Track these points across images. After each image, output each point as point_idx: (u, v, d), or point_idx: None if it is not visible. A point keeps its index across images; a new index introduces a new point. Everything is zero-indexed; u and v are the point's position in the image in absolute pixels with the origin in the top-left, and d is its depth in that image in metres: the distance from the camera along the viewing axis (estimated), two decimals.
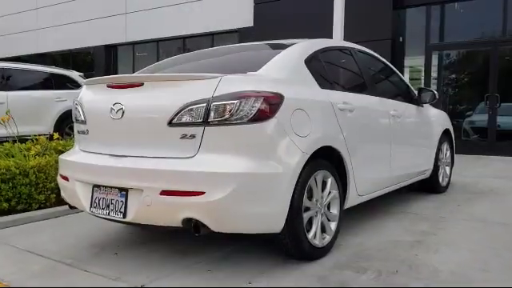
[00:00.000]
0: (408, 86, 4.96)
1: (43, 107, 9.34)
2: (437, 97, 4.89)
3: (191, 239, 3.55)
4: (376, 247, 3.47)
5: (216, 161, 2.69)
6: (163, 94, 2.87)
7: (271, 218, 2.81)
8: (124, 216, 2.87)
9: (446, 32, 10.79)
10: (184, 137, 2.76)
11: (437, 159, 5.27)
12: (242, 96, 2.73)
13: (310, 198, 3.10)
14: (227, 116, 2.71)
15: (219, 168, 2.66)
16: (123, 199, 2.90)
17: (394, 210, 4.65)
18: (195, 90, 2.79)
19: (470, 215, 4.46)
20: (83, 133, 3.31)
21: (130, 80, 3.03)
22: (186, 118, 2.76)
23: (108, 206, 2.97)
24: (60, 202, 4.74)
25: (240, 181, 2.65)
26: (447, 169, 5.69)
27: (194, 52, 4.25)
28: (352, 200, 3.63)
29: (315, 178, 3.12)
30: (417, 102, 4.93)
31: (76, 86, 9.98)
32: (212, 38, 14.08)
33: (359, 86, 4.06)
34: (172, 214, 2.73)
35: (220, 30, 13.59)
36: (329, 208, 3.31)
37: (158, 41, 15.42)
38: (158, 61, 16.24)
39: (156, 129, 2.85)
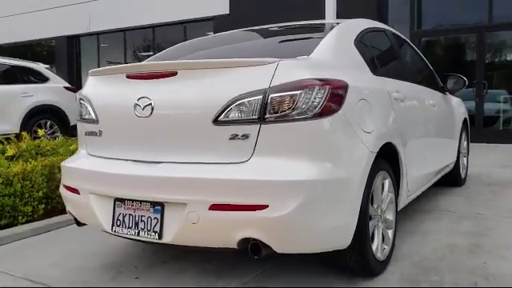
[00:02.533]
0: (434, 72, 4.56)
1: (7, 104, 8.45)
2: (466, 83, 4.51)
3: (219, 255, 3.02)
4: (434, 255, 3.06)
5: (276, 166, 2.18)
6: (205, 84, 2.32)
7: (341, 232, 2.33)
8: (160, 237, 2.32)
9: (432, 18, 10.55)
10: (234, 137, 2.24)
11: (458, 150, 4.92)
12: (305, 85, 2.22)
13: (372, 204, 2.65)
14: (288, 110, 2.20)
15: (284, 175, 2.15)
16: (158, 216, 2.34)
17: (424, 207, 4.26)
18: (247, 78, 2.26)
19: (508, 211, 4.13)
20: (94, 134, 2.71)
21: (159, 68, 2.45)
22: (236, 115, 2.23)
23: (137, 225, 2.40)
24: (49, 213, 4.12)
25: (311, 190, 2.15)
26: (464, 160, 5.37)
27: (216, 35, 3.65)
28: (402, 202, 3.20)
29: (377, 181, 2.66)
30: (443, 89, 4.55)
31: (43, 79, 9.14)
32: (184, 27, 13.38)
33: (401, 72, 3.61)
34: (226, 233, 2.20)
35: (193, 18, 12.90)
36: (385, 213, 2.87)
37: (124, 30, 14.56)
38: (125, 52, 15.42)
39: (197, 128, 2.30)
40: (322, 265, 2.86)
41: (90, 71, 2.89)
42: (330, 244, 2.33)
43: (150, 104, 2.40)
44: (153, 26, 13.90)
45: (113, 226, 2.48)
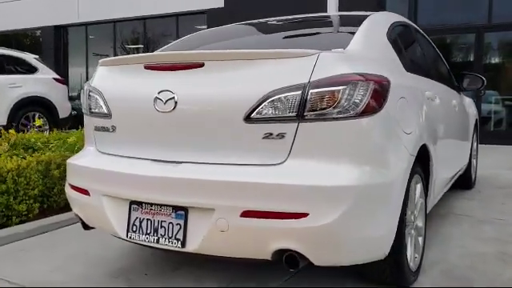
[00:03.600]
0: (450, 70, 4.39)
1: None
2: (485, 83, 4.35)
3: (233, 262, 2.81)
4: (463, 263, 2.89)
5: (316, 169, 1.97)
6: (236, 77, 2.10)
7: (381, 241, 2.14)
8: (183, 245, 2.10)
9: (430, 17, 10.43)
10: (269, 136, 2.02)
11: (470, 152, 4.77)
12: (348, 81, 2.01)
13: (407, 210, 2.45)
14: (329, 108, 1.99)
15: (327, 180, 1.94)
16: (181, 221, 2.12)
17: (440, 211, 4.09)
18: (283, 71, 2.04)
19: None
20: (105, 130, 2.47)
21: (184, 59, 2.22)
22: (271, 111, 2.01)
23: (156, 231, 2.18)
24: (44, 212, 3.86)
25: (355, 196, 1.95)
26: (474, 162, 5.23)
27: (233, 26, 3.40)
28: (429, 207, 3.02)
29: (411, 186, 2.47)
30: (458, 88, 4.38)
31: (31, 70, 8.78)
32: (177, 19, 13.09)
33: (427, 70, 3.43)
34: (259, 242, 1.99)
35: (186, 10, 12.60)
36: (416, 220, 2.68)
37: (114, 22, 14.19)
38: (115, 44, 15.02)
39: (226, 126, 2.08)
40: (348, 274, 2.66)
41: (100, 61, 2.64)
42: (370, 255, 2.13)
43: (173, 98, 2.16)
44: (144, 18, 13.57)
45: (128, 231, 2.25)
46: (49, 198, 3.94)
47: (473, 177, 5.08)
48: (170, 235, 2.13)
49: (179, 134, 2.18)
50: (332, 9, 7.28)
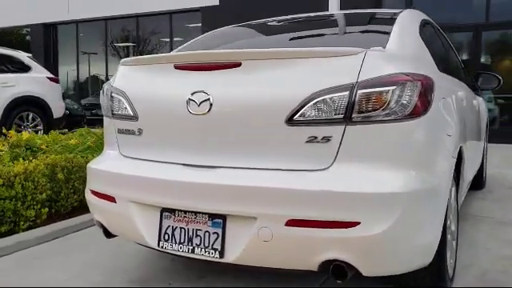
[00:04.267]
0: (465, 69, 4.32)
1: None
2: (501, 82, 4.28)
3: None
4: (494, 268, 2.82)
5: (364, 175, 1.87)
6: (277, 77, 1.98)
7: (428, 248, 2.04)
8: (221, 255, 1.98)
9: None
10: (313, 140, 1.91)
11: (483, 152, 4.72)
12: (397, 81, 1.91)
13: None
14: (377, 110, 1.88)
15: (378, 187, 1.83)
16: (218, 230, 2.00)
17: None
18: (327, 71, 1.94)
19: None
20: (131, 133, 2.34)
21: (219, 58, 2.10)
22: (315, 113, 1.90)
23: (191, 240, 2.06)
24: (51, 217, 3.70)
25: (408, 203, 1.85)
26: (484, 161, 5.17)
27: (257, 23, 3.24)
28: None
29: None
30: (474, 88, 4.31)
31: (25, 69, 8.56)
32: (170, 17, 12.90)
33: (453, 69, 3.35)
34: (305, 253, 1.88)
35: (180, 8, 12.42)
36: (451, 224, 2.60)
37: (106, 19, 13.96)
38: (106, 43, 14.77)
39: (267, 129, 1.97)
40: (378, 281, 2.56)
41: (122, 61, 2.51)
42: (418, 263, 2.04)
43: (208, 99, 2.05)
44: (137, 16, 13.36)
45: (159, 240, 2.13)
46: (56, 203, 3.79)
47: (484, 176, 5.03)
48: (207, 245, 2.02)
49: (214, 138, 2.06)
50: (334, 7, 7.19)
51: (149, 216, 2.17)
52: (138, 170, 2.24)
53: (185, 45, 3.05)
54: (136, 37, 13.99)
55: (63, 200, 3.82)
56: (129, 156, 2.37)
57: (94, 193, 2.42)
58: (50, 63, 14.95)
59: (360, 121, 1.88)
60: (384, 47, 2.20)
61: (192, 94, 2.08)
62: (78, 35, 14.68)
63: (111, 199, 2.29)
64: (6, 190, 3.36)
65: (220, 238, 1.99)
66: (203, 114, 2.05)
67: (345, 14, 3.17)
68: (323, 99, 1.89)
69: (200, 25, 11.83)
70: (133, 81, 2.39)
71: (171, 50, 13.62)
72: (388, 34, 2.36)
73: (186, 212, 2.08)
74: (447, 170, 2.15)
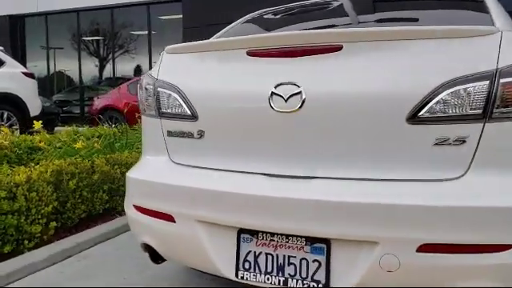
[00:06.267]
0: None
1: None
2: None
3: None
4: None
5: (509, 185, 1.50)
6: (389, 64, 1.60)
7: None
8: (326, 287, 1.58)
9: None
10: (443, 142, 1.53)
11: None
12: None
13: None
14: None
15: None
16: (320, 258, 1.60)
17: None
18: (455, 55, 1.56)
19: None
20: (188, 135, 1.90)
21: (312, 41, 1.68)
22: (446, 109, 1.52)
23: (281, 270, 1.65)
24: (57, 231, 3.21)
25: None
26: None
27: (316, 1, 2.78)
28: None
29: None
30: None
31: None
32: (148, 9, 12.28)
33: None
34: (441, 283, 1.50)
35: None
36: None
37: (78, 11, 13.19)
38: (79, 36, 14.00)
39: (380, 128, 1.58)
40: None
41: (167, 48, 2.07)
42: None
43: (300, 93, 1.63)
44: (112, 7, 12.67)
45: (238, 269, 1.71)
46: (62, 215, 3.29)
47: None
48: (304, 275, 1.61)
49: (309, 141, 1.66)
50: None
51: (221, 239, 1.75)
52: (204, 181, 1.80)
53: (221, 32, 2.61)
54: (112, 30, 13.31)
55: (70, 211, 3.32)
56: (184, 164, 1.93)
57: (141, 209, 1.97)
58: (18, 58, 14.07)
59: (502, 117, 1.51)
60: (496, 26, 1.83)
61: (276, 87, 1.67)
62: (47, 28, 13.85)
63: (168, 218, 1.85)
64: (7, 203, 2.85)
65: (323, 268, 1.59)
66: (293, 111, 1.64)
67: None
68: (455, 91, 1.51)
69: (181, 16, 11.28)
70: (187, 72, 1.95)
71: (149, 43, 13.02)
72: (489, 14, 1.99)
73: (273, 234, 1.67)
74: None
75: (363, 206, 1.53)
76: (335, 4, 2.69)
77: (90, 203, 3.48)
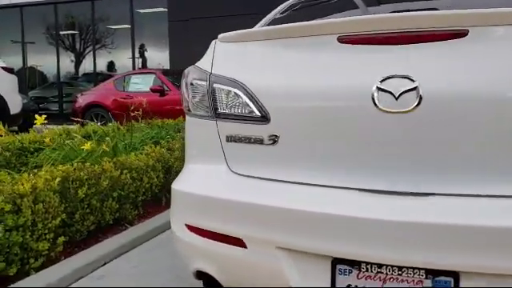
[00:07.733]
0: None
1: None
2: None
3: None
4: None
5: None
6: None
7: None
8: None
9: None
10: None
11: None
12: None
13: None
14: None
15: None
16: None
17: None
18: None
19: None
20: (256, 141, 1.55)
21: (432, 24, 1.35)
22: None
23: None
24: (65, 247, 2.83)
25: None
26: None
27: None
28: None
29: None
30: None
31: None
32: (130, 1, 11.76)
33: None
34: None
35: None
36: None
37: (55, 3, 12.56)
38: (58, 29, 13.32)
39: None
40: None
41: (221, 36, 1.72)
42: None
43: (415, 89, 1.31)
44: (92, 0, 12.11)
45: None
46: (70, 227, 2.90)
47: None
48: None
49: (427, 149, 1.33)
50: None
51: (310, 270, 1.41)
52: (284, 198, 1.46)
53: (265, 20, 2.27)
54: (92, 22, 12.74)
55: (78, 224, 2.93)
56: (250, 175, 1.58)
57: (197, 230, 1.62)
58: None
59: None
60: None
61: (382, 82, 1.34)
62: (22, 21, 13.15)
63: (235, 242, 1.51)
64: (12, 216, 2.46)
65: None
66: (407, 111, 1.32)
67: None
68: None
69: (167, 9, 10.83)
70: (252, 64, 1.61)
71: (133, 37, 12.50)
72: None
73: (380, 266, 1.34)
74: None
75: (504, 231, 1.22)
76: None
77: (99, 213, 3.09)
